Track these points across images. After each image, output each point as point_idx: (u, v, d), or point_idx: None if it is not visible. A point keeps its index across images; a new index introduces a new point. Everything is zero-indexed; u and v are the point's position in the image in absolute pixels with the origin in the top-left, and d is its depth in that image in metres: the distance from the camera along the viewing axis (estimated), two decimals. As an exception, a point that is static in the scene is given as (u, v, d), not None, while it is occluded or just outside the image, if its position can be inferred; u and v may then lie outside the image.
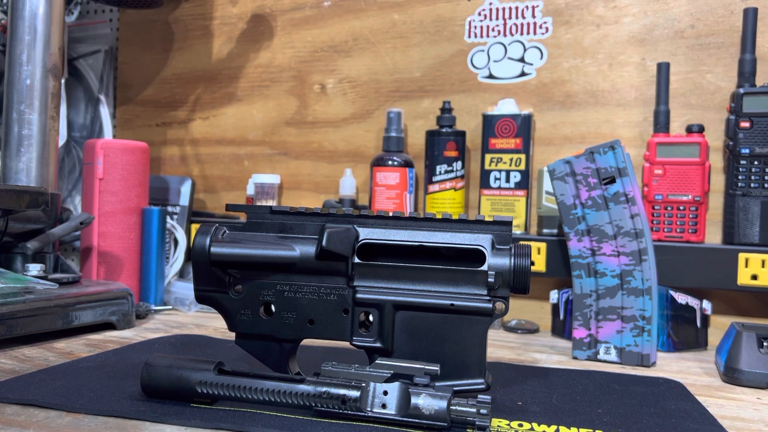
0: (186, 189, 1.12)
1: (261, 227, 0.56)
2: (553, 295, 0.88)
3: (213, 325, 0.87)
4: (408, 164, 0.98)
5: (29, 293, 0.73)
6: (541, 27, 0.97)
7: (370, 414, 0.46)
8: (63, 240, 1.04)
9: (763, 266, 0.81)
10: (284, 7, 1.13)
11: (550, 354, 0.77)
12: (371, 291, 0.53)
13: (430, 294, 0.53)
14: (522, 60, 0.99)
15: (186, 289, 0.99)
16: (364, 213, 0.55)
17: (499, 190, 0.94)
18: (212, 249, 0.53)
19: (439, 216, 0.54)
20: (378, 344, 0.53)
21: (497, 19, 1.00)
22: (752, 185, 0.83)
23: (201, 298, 0.56)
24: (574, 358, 0.75)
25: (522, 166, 0.93)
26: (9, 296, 0.70)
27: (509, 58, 0.99)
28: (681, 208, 0.86)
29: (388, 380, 0.47)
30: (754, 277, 0.81)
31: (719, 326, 0.87)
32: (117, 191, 0.96)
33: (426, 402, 0.46)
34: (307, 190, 1.11)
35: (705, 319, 0.83)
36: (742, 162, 0.84)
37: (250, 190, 1.09)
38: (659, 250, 0.83)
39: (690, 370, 0.71)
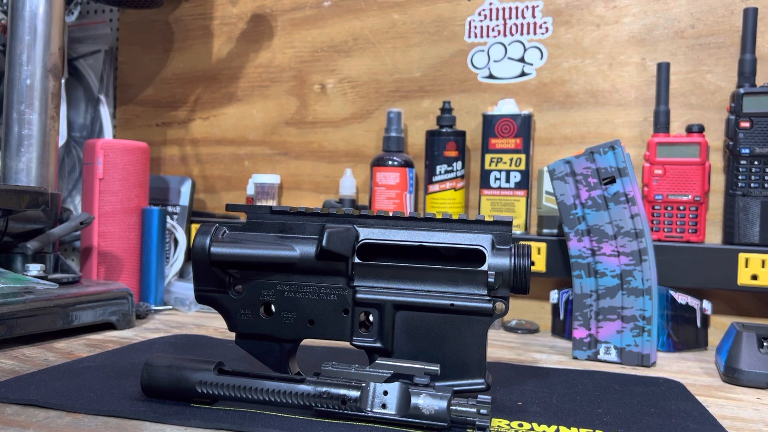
0: (186, 189, 1.12)
1: (261, 227, 0.56)
2: (553, 295, 0.88)
3: (213, 325, 0.87)
4: (408, 164, 0.98)
5: (29, 293, 0.73)
6: (541, 27, 0.97)
7: (370, 414, 0.46)
8: (63, 240, 1.04)
9: (763, 266, 0.81)
10: (284, 7, 1.13)
11: (550, 354, 0.77)
12: (371, 291, 0.53)
13: (430, 294, 0.53)
14: (522, 60, 0.99)
15: (186, 289, 0.99)
16: (364, 213, 0.55)
17: (499, 190, 0.94)
18: (212, 249, 0.53)
19: (439, 216, 0.54)
20: (378, 344, 0.53)
21: (497, 19, 0.99)
22: (752, 185, 0.83)
23: (201, 298, 0.56)
24: (574, 358, 0.75)
25: (522, 166, 0.93)
26: (9, 296, 0.70)
27: (509, 58, 0.99)
28: (681, 208, 0.86)
29: (388, 380, 0.47)
30: (754, 277, 0.81)
31: (719, 326, 0.87)
32: (117, 191, 0.96)
33: (426, 402, 0.46)
34: (307, 190, 1.11)
35: (705, 319, 0.83)
36: (742, 162, 0.84)
37: (250, 190, 1.09)
38: (659, 250, 0.83)
39: (690, 370, 0.71)
